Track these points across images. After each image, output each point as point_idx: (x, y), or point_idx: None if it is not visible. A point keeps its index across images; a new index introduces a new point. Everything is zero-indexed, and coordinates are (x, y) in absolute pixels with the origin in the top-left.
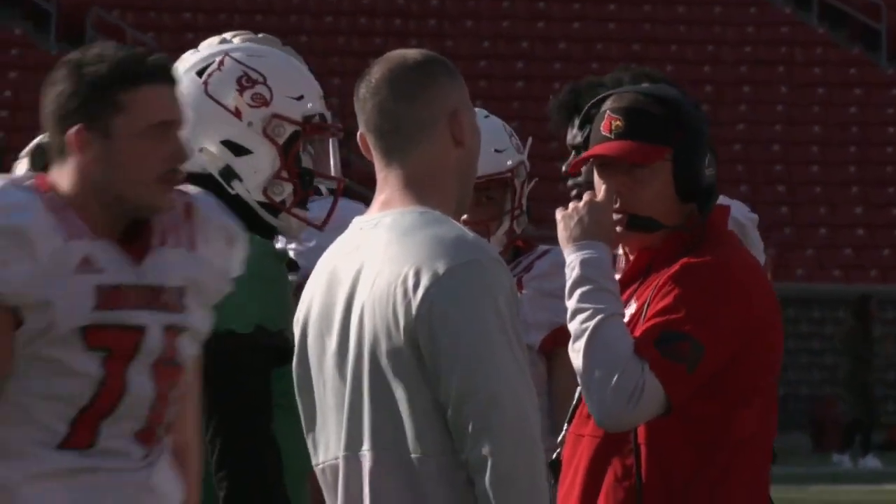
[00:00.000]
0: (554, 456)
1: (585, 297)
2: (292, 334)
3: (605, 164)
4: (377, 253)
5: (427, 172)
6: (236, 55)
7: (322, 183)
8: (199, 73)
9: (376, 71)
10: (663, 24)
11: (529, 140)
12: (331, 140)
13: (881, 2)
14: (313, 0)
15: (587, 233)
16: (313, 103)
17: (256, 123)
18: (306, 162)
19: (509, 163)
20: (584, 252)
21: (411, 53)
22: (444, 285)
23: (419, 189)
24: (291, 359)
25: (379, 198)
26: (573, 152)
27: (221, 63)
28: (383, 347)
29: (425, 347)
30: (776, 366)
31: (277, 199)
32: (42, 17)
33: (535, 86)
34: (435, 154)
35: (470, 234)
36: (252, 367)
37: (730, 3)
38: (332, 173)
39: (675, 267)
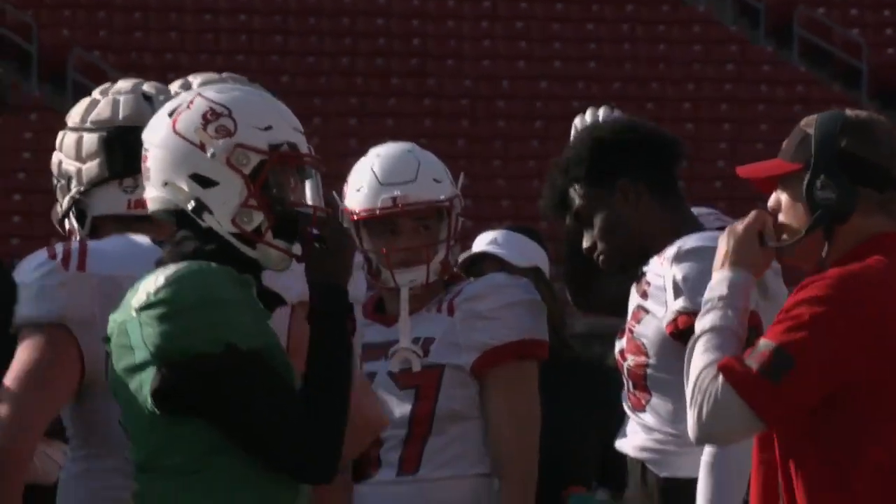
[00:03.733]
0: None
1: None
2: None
3: None
4: None
5: None
6: (207, 94)
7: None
8: (170, 115)
9: None
10: (644, 62)
11: (462, 176)
12: (314, 171)
13: (861, 40)
14: (294, 41)
15: None
16: (283, 133)
17: (220, 154)
18: (284, 192)
19: (444, 195)
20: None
21: None
22: None
23: None
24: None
25: None
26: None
27: (191, 102)
28: None
29: None
30: None
31: (247, 227)
32: (24, 58)
33: (516, 125)
34: None
35: None
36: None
37: (710, 42)
38: (310, 202)
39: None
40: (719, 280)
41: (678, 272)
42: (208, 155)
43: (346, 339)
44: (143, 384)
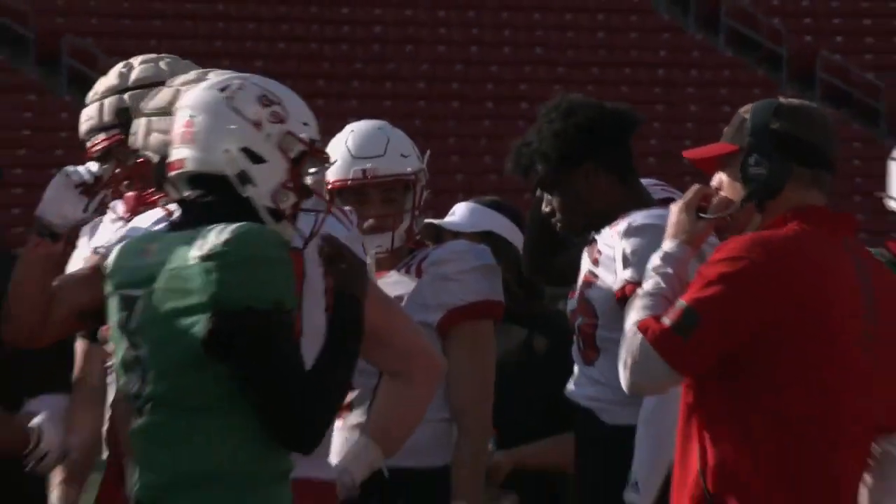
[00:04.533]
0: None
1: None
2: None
3: None
4: None
5: None
6: (257, 81)
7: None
8: (221, 90)
9: None
10: (585, 49)
11: (427, 152)
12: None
13: (783, 28)
14: (267, 28)
15: None
16: (314, 132)
17: (273, 136)
18: (308, 181)
19: (410, 168)
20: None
21: None
22: None
23: None
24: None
25: None
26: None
27: (242, 84)
28: None
29: None
30: (838, 345)
31: (283, 205)
32: (21, 43)
33: (468, 105)
34: None
35: None
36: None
37: (646, 30)
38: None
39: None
40: (659, 252)
41: (627, 246)
42: (263, 134)
43: (358, 339)
44: (194, 326)
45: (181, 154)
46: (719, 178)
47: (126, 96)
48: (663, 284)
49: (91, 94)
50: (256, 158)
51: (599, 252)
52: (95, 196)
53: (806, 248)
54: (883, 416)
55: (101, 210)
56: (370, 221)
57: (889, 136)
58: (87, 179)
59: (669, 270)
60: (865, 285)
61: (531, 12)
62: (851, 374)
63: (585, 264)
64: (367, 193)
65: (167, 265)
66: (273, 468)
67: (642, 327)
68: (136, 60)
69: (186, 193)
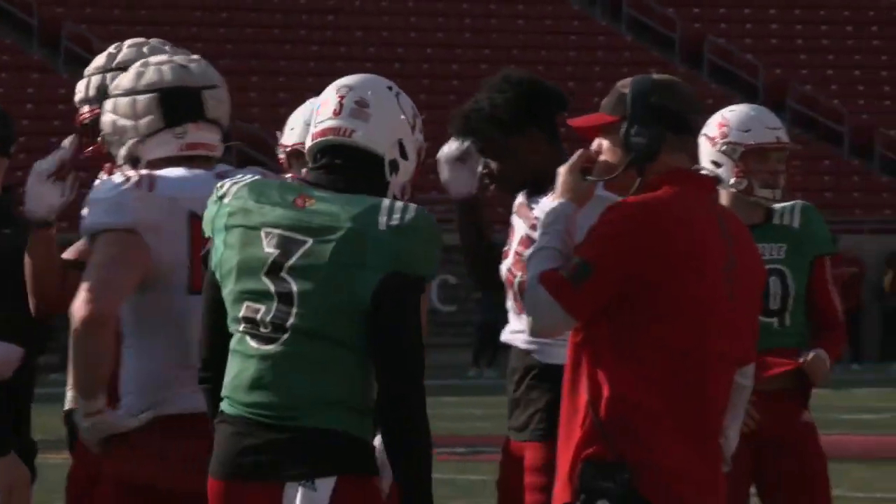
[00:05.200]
0: None
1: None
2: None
3: None
4: None
5: None
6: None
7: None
8: (389, 88)
9: None
10: (506, 34)
11: None
12: None
13: (676, 16)
14: (239, 16)
15: None
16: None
17: (417, 142)
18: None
19: None
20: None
21: None
22: None
23: None
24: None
25: None
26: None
27: (400, 91)
28: None
29: None
30: (705, 290)
31: (403, 197)
32: (26, 29)
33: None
34: None
35: None
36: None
37: (561, 18)
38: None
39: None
40: (548, 209)
41: None
42: (414, 137)
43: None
44: (368, 279)
45: (347, 125)
46: (599, 143)
47: (108, 76)
48: (555, 239)
49: (85, 72)
50: (404, 154)
51: (537, 218)
52: (67, 177)
53: (678, 208)
54: (739, 353)
55: (86, 184)
56: None
57: (682, 63)
58: (53, 168)
59: (559, 227)
60: (726, 238)
61: (460, 3)
62: (716, 315)
63: (521, 227)
64: None
65: (346, 223)
66: (371, 404)
67: (543, 279)
68: (125, 44)
69: (337, 161)
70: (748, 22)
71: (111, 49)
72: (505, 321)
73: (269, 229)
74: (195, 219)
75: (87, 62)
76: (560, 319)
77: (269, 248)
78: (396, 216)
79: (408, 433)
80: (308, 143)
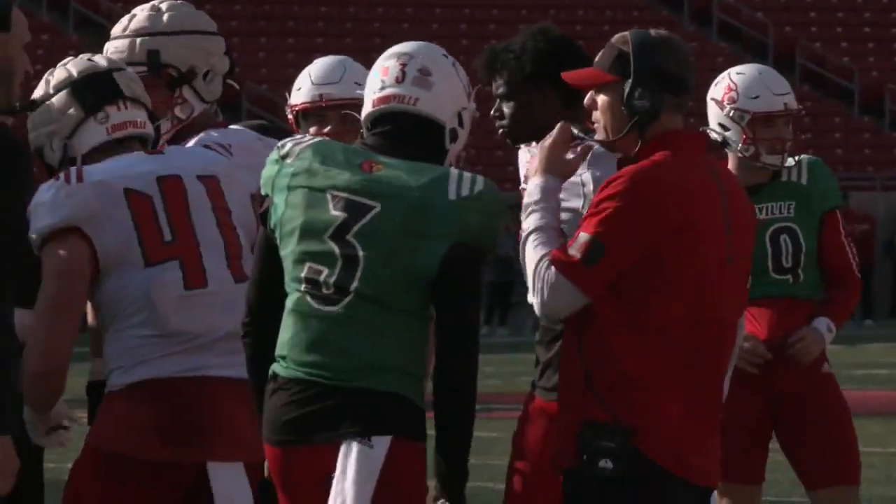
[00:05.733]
0: None
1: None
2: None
3: None
4: None
5: None
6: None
7: None
8: (446, 56)
9: None
10: (480, 8)
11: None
12: None
13: None
14: None
15: None
16: None
17: (471, 110)
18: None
19: (361, 94)
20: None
21: None
22: None
23: None
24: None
25: None
26: (497, 100)
27: (455, 61)
28: None
29: None
30: (706, 258)
31: (457, 164)
32: (64, 7)
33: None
34: None
35: None
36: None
37: (535, 6)
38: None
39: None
40: (534, 186)
41: (596, 171)
42: (470, 104)
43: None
44: (435, 247)
45: (411, 93)
46: (593, 98)
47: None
48: (549, 215)
49: (120, 30)
50: (461, 123)
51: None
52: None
53: (678, 177)
54: (736, 316)
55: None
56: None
57: (690, 22)
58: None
59: (551, 203)
60: (724, 202)
61: None
62: (715, 283)
63: None
64: (325, 115)
65: (415, 191)
66: (424, 371)
67: (556, 262)
68: (164, 5)
69: (399, 128)
70: None
71: (149, 10)
72: (515, 281)
73: (335, 192)
74: (133, 194)
75: (96, 24)
76: (577, 300)
77: (336, 212)
78: (466, 187)
79: (461, 402)
80: (367, 109)
